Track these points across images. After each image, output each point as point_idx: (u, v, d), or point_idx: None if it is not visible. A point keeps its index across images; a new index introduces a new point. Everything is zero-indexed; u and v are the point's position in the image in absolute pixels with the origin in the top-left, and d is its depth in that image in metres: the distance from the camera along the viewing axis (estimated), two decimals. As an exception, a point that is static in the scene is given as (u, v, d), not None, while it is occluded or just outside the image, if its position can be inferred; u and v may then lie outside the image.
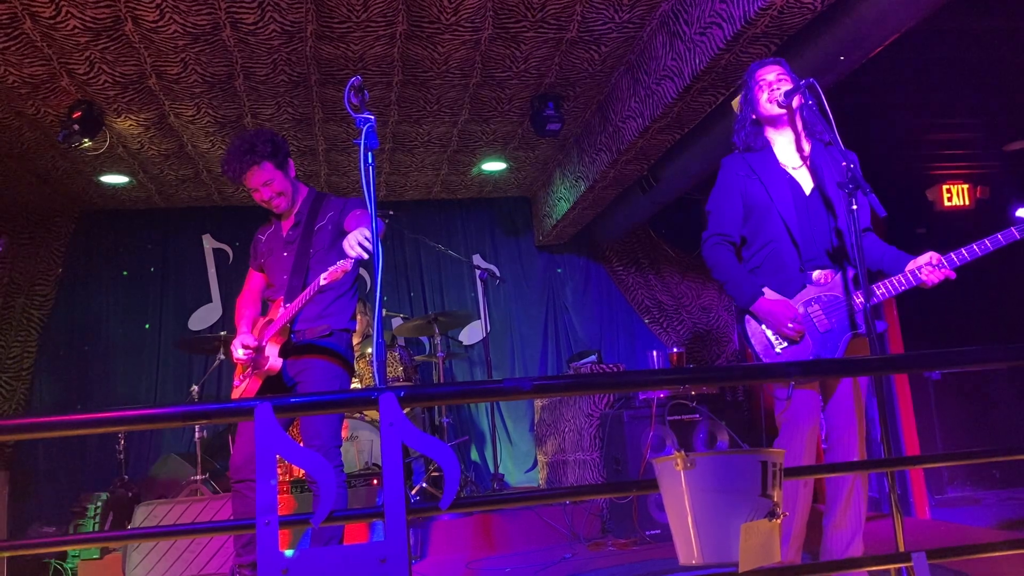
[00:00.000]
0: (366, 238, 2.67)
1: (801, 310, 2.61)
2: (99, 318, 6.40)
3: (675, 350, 4.95)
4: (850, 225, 2.47)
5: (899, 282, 2.58)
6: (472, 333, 6.93)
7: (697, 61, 3.84)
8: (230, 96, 4.77)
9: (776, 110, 2.72)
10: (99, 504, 4.97)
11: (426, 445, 1.40)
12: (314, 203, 3.25)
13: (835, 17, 3.34)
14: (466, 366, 6.93)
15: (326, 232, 3.16)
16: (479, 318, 6.45)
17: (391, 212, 4.39)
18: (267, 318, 3.16)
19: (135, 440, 6.01)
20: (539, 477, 6.29)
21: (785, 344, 2.61)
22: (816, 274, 2.65)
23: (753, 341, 2.67)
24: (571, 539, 4.47)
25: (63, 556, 4.62)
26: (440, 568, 4.08)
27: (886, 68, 4.72)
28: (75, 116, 4.55)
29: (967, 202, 5.55)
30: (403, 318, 6.47)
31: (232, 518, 3.26)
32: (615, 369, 5.34)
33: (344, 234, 2.94)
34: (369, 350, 5.41)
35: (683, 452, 1.42)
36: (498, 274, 6.92)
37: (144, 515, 4.21)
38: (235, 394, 3.17)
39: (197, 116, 4.99)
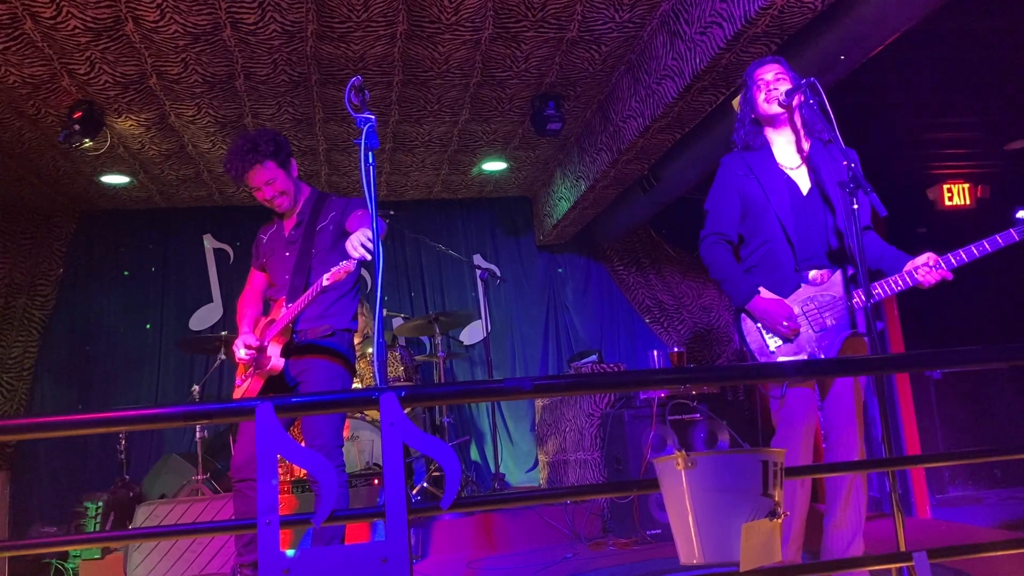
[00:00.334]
0: (369, 239, 2.67)
1: (796, 309, 2.62)
2: (100, 318, 6.40)
3: (676, 350, 4.96)
4: (850, 224, 2.47)
5: (895, 283, 2.58)
6: (473, 333, 6.93)
7: (698, 60, 3.84)
8: (231, 96, 4.77)
9: (774, 110, 2.72)
10: (100, 504, 4.98)
11: (427, 445, 1.40)
12: (316, 203, 3.25)
13: (835, 17, 3.34)
14: (467, 366, 6.93)
15: (328, 232, 3.16)
16: (480, 318, 6.45)
17: (392, 212, 4.39)
18: (269, 318, 3.16)
19: (136, 440, 6.01)
20: (540, 477, 6.29)
21: (780, 343, 2.62)
22: (812, 274, 2.65)
23: (748, 340, 2.68)
24: (572, 539, 4.47)
25: (64, 556, 4.62)
26: (441, 568, 4.08)
27: (887, 67, 4.71)
28: (76, 116, 4.55)
29: (968, 201, 5.55)
30: (404, 318, 6.46)
31: (233, 517, 3.26)
32: (616, 369, 5.34)
33: (346, 234, 2.94)
34: (370, 350, 5.42)
35: (684, 452, 1.42)
36: (499, 274, 6.92)
37: (145, 515, 4.22)
38: (237, 393, 3.17)
39: (198, 116, 5.00)
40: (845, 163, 2.46)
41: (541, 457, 6.21)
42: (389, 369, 5.50)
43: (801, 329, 2.60)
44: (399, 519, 1.32)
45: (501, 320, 6.98)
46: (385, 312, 6.32)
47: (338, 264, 2.77)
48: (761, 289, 2.65)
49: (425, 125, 5.46)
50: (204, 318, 6.56)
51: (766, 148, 2.78)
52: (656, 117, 4.42)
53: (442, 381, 5.72)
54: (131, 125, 5.03)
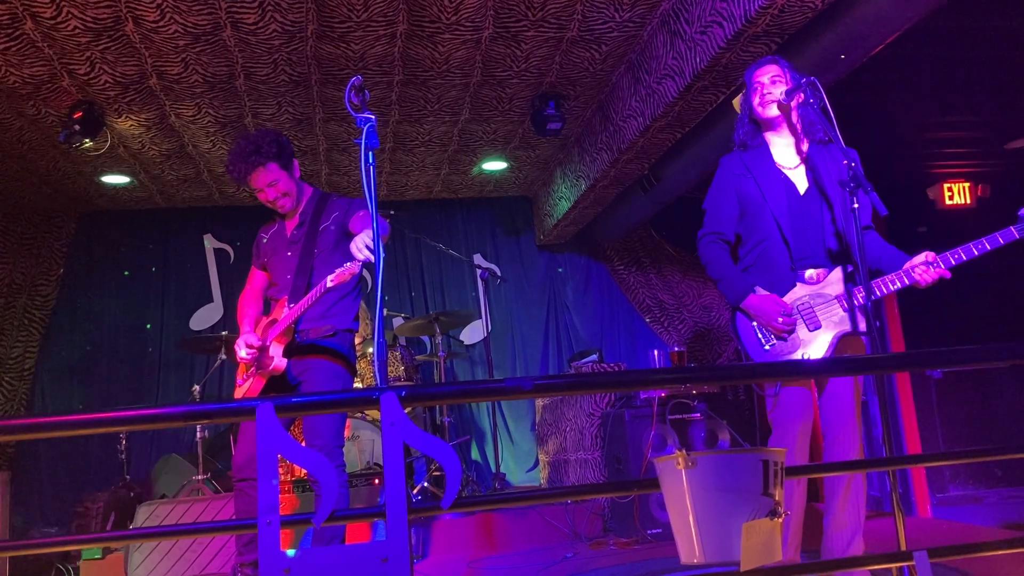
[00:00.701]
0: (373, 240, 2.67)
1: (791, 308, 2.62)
2: (100, 318, 6.41)
3: (676, 349, 4.96)
4: (849, 224, 2.47)
5: (892, 281, 2.58)
6: (473, 332, 6.93)
7: (698, 60, 3.84)
8: (231, 96, 4.77)
9: (769, 113, 2.73)
10: (100, 504, 4.98)
11: (427, 444, 1.40)
12: (318, 203, 3.25)
13: (836, 16, 3.34)
14: (467, 365, 6.93)
15: (331, 232, 3.17)
16: (480, 317, 6.45)
17: (392, 212, 4.39)
18: (271, 317, 3.16)
19: (137, 440, 6.01)
20: (540, 476, 6.29)
21: (774, 341, 2.62)
22: (808, 273, 2.66)
23: (743, 338, 2.68)
24: (573, 538, 4.47)
25: (65, 556, 4.62)
26: (442, 567, 4.08)
27: (887, 66, 4.71)
28: (76, 116, 4.55)
29: (968, 200, 5.55)
30: (404, 318, 6.47)
31: (234, 516, 3.26)
32: (616, 368, 5.34)
33: (349, 235, 2.94)
34: (370, 350, 5.41)
35: (684, 451, 1.42)
36: (499, 273, 6.92)
37: (146, 515, 4.22)
38: (238, 393, 3.17)
39: (198, 116, 5.00)
40: (845, 162, 2.46)
41: (541, 457, 6.21)
42: (389, 369, 5.50)
43: (796, 327, 2.60)
44: (399, 519, 1.32)
45: (501, 320, 6.98)
46: (385, 312, 6.32)
47: (342, 265, 2.78)
48: (756, 288, 2.66)
49: (425, 125, 5.46)
50: (204, 318, 6.57)
51: (764, 148, 2.78)
52: (656, 116, 4.42)
53: (442, 381, 5.72)
54: (131, 125, 5.03)
